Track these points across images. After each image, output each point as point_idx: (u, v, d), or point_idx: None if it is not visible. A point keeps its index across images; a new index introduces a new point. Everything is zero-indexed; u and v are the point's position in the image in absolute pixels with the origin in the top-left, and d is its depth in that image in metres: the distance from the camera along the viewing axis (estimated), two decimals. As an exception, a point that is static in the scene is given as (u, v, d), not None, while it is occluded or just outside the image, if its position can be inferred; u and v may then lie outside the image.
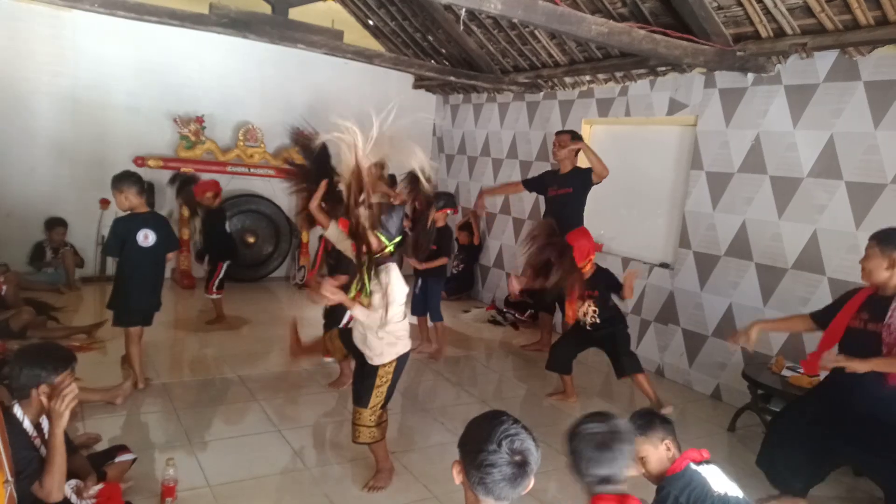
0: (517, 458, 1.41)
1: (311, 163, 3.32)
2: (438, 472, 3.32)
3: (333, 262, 4.27)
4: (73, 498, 2.41)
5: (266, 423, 3.76)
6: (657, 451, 2.19)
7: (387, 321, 2.81)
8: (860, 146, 4.05)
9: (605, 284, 4.20)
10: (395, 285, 2.81)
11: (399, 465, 3.40)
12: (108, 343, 4.81)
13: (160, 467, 2.84)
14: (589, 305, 4.18)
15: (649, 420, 2.23)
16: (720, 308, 4.83)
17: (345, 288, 2.89)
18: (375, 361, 2.95)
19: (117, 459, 2.79)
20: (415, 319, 5.18)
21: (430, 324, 5.31)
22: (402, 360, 3.03)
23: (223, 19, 4.80)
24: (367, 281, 2.80)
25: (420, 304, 5.21)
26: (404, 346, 3.01)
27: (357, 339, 3.02)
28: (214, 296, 5.50)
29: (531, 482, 1.47)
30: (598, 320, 4.20)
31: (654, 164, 5.61)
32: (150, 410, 3.80)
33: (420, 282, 5.14)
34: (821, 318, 3.12)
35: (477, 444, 1.44)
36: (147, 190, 6.33)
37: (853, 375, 2.76)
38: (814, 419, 3.00)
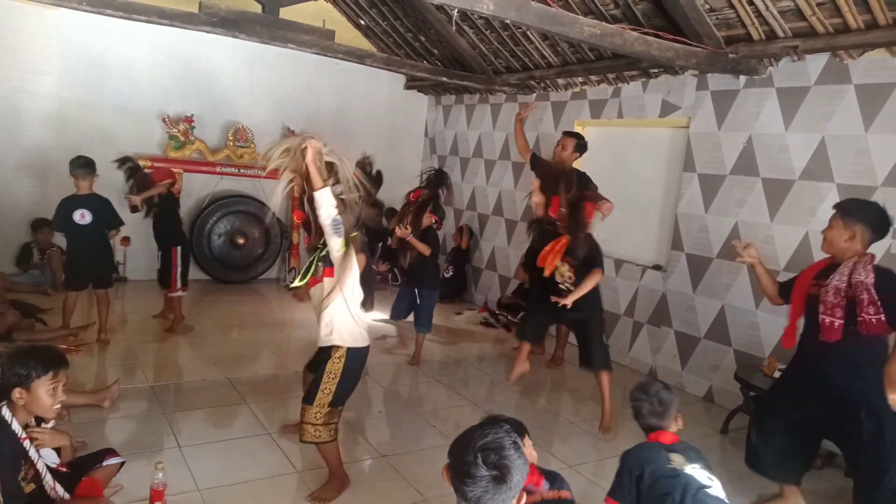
0: (494, 472, 1.38)
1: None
2: (430, 476, 3.29)
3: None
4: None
5: (256, 427, 3.72)
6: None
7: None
8: (851, 149, 4.06)
9: (586, 254, 4.03)
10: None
11: (390, 469, 3.38)
12: (94, 345, 4.75)
13: (149, 471, 2.79)
14: (567, 269, 4.04)
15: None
16: (713, 310, 4.83)
17: (304, 272, 2.95)
18: (331, 341, 2.89)
19: (105, 463, 2.73)
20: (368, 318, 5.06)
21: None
22: (354, 357, 2.92)
23: (213, 18, 4.76)
24: (315, 265, 2.89)
25: (402, 309, 5.16)
26: (363, 341, 2.97)
27: (322, 320, 2.93)
28: (179, 293, 5.22)
29: (516, 495, 1.44)
30: (571, 287, 4.02)
31: (646, 165, 5.62)
32: (138, 413, 3.74)
33: (410, 290, 5.09)
34: (783, 288, 3.25)
35: (459, 452, 1.43)
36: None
37: (816, 355, 2.93)
38: (788, 403, 3.08)
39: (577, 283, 4.03)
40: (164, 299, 5.57)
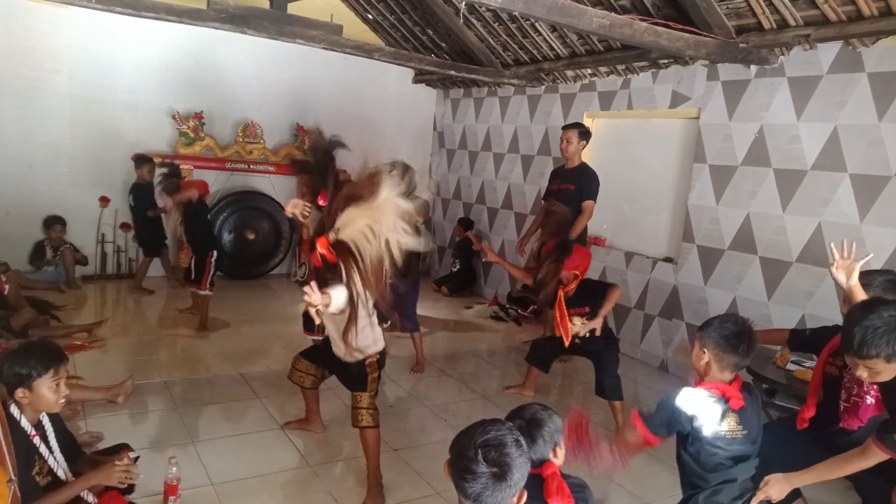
0: (494, 469, 1.38)
1: (316, 163, 3.18)
2: (441, 469, 3.29)
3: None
4: (90, 497, 2.40)
5: (268, 421, 3.75)
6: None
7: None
8: (864, 138, 4.02)
9: (592, 295, 3.86)
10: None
11: (402, 462, 3.40)
12: (108, 341, 4.80)
13: (163, 466, 2.82)
14: (583, 323, 3.86)
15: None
16: (724, 302, 4.80)
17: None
18: (363, 354, 2.95)
19: (119, 458, 2.77)
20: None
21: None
22: (381, 356, 3.05)
23: (221, 14, 4.77)
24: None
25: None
26: (382, 341, 3.06)
27: (337, 350, 3.00)
28: (207, 292, 5.31)
29: (518, 493, 1.43)
30: (588, 335, 3.86)
31: (656, 157, 5.58)
32: (152, 409, 3.78)
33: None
34: (796, 341, 2.98)
35: (460, 448, 1.43)
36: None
37: (831, 434, 2.65)
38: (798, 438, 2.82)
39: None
40: (192, 296, 5.67)
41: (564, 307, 3.83)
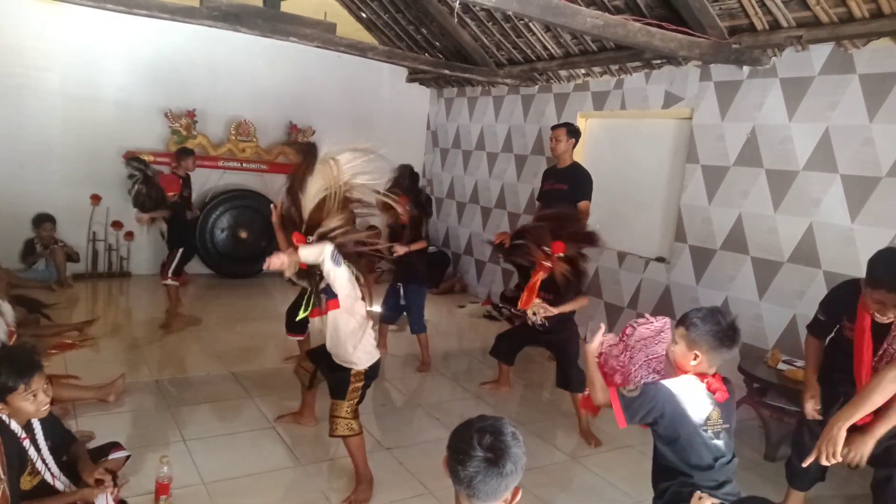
0: (489, 454, 1.41)
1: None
2: (434, 468, 3.29)
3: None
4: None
5: (260, 420, 3.74)
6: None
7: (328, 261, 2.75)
8: (855, 139, 4.04)
9: (561, 289, 3.83)
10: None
11: (394, 461, 3.39)
12: (99, 340, 4.77)
13: (154, 465, 2.81)
14: (541, 304, 3.86)
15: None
16: (716, 302, 4.81)
17: (305, 303, 2.96)
18: (349, 364, 2.95)
19: (111, 457, 2.74)
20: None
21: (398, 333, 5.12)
22: (370, 372, 3.02)
23: (214, 12, 4.75)
24: (318, 297, 2.88)
25: (391, 312, 4.92)
26: (375, 353, 3.04)
27: (329, 345, 3.00)
28: (170, 282, 5.25)
29: (513, 486, 1.44)
30: (545, 323, 3.88)
31: (649, 157, 5.60)
32: (144, 407, 3.76)
33: (395, 286, 4.85)
34: (818, 330, 2.96)
35: (458, 435, 1.47)
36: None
37: (842, 377, 2.68)
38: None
39: (551, 318, 3.90)
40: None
41: (537, 287, 3.85)
